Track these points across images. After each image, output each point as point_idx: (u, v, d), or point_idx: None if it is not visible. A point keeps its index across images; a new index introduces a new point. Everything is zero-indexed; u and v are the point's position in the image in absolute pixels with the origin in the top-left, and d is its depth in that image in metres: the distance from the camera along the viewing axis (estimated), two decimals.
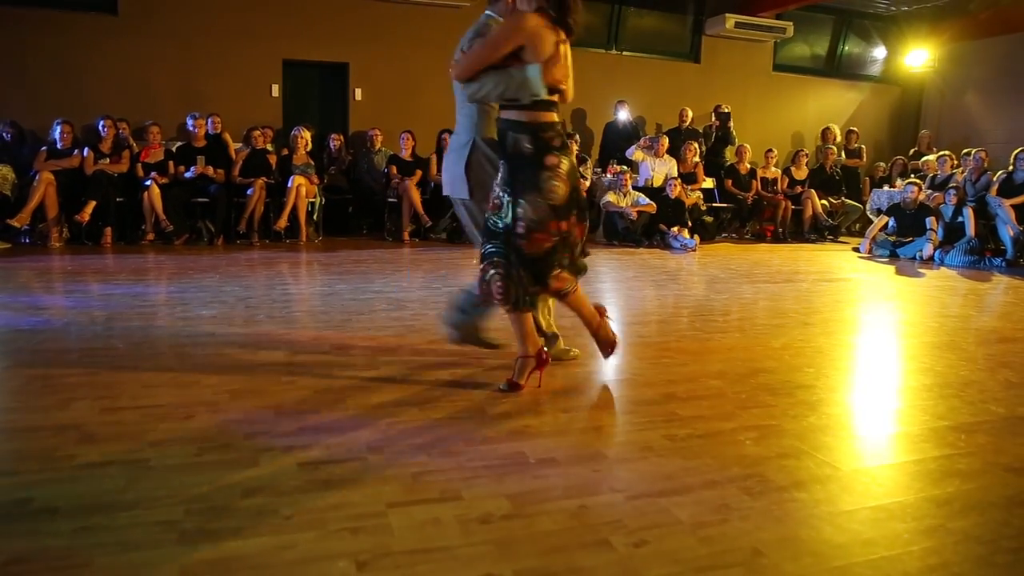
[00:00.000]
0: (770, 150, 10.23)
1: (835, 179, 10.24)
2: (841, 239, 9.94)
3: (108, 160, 7.51)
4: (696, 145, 9.71)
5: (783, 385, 3.07)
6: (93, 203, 7.15)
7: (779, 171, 10.26)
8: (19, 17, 8.13)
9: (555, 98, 2.72)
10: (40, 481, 1.97)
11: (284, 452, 2.19)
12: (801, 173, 10.18)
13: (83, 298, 4.72)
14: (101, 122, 7.60)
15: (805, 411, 2.73)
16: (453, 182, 3.03)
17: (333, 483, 2.00)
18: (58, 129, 7.42)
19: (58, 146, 7.42)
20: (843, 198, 10.17)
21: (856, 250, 8.68)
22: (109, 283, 5.22)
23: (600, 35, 10.56)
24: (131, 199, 7.52)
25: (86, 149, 7.46)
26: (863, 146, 11.07)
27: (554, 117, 2.71)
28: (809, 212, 9.82)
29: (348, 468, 2.10)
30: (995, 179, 8.33)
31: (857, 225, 10.30)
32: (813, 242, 9.67)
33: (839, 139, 10.87)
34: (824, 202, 9.91)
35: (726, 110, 10.35)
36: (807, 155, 10.44)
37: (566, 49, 2.74)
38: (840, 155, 10.70)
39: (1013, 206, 7.86)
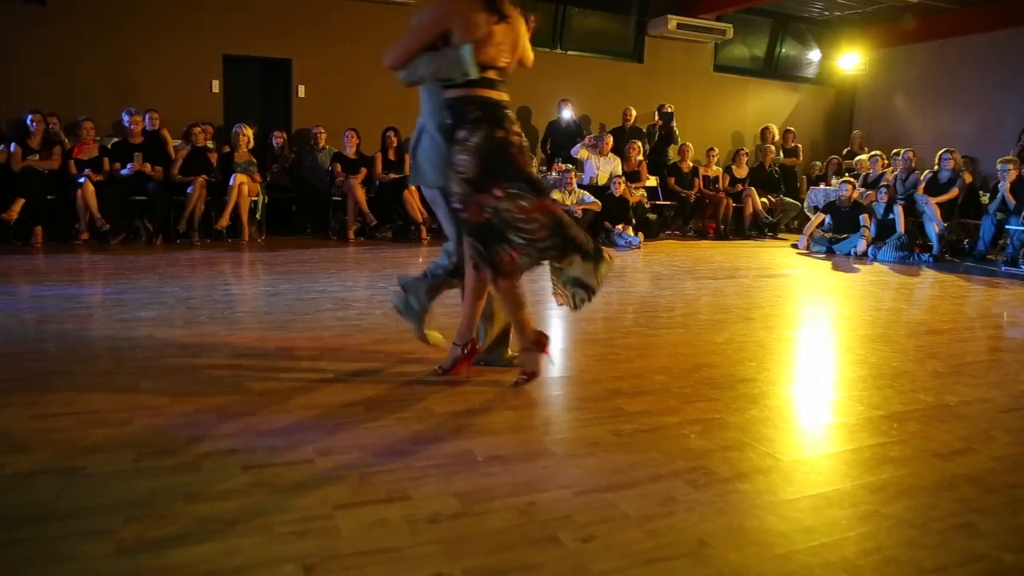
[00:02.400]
0: (711, 149, 10.45)
1: (774, 177, 10.51)
2: (780, 236, 10.22)
3: (38, 156, 7.22)
4: (640, 144, 9.84)
5: (726, 379, 3.14)
6: (22, 201, 6.86)
7: (720, 169, 10.47)
8: None
9: (492, 75, 2.74)
10: None
11: (227, 455, 2.15)
12: (742, 171, 10.41)
13: (11, 300, 4.53)
14: (29, 116, 7.29)
15: (747, 404, 2.80)
16: (411, 169, 3.03)
17: (279, 486, 1.96)
18: None
19: None
20: (781, 196, 10.46)
21: (794, 246, 8.93)
22: (40, 284, 5.02)
23: (544, 34, 10.59)
24: (63, 197, 7.23)
25: (13, 144, 7.14)
26: (800, 145, 11.39)
27: (486, 93, 2.72)
28: (750, 210, 10.06)
29: (294, 471, 2.06)
30: (922, 178, 8.67)
31: (795, 222, 10.60)
32: (753, 239, 9.91)
33: (777, 138, 11.16)
34: (764, 200, 10.17)
35: (669, 110, 10.53)
36: (747, 154, 10.70)
37: (505, 28, 2.75)
38: (778, 154, 10.99)
39: (938, 204, 8.19)
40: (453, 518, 1.82)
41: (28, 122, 7.28)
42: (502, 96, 2.78)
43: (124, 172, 7.46)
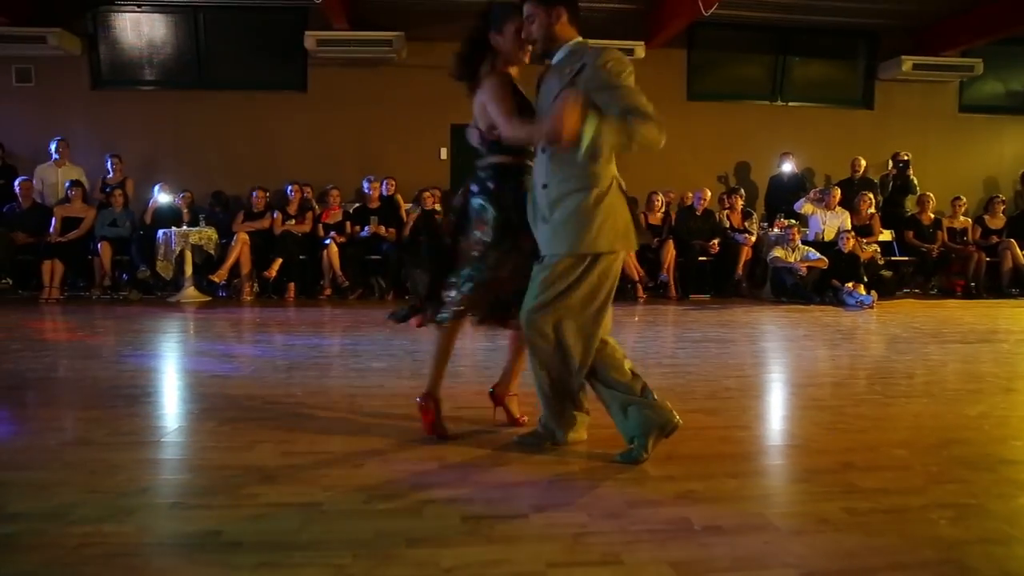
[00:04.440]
0: (958, 198, 9.41)
1: None
2: None
3: (294, 221, 8.24)
4: (871, 196, 9.11)
5: (983, 459, 2.74)
6: (279, 260, 7.85)
7: (969, 220, 9.40)
8: (224, 99, 9.22)
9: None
10: (228, 517, 2.13)
11: (447, 504, 2.23)
12: (997, 222, 9.26)
13: (268, 348, 5.13)
14: (289, 187, 8.39)
15: (1014, 490, 2.41)
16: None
17: (495, 538, 2.00)
18: (254, 194, 8.29)
19: (253, 209, 8.26)
20: None
21: None
22: (291, 334, 5.65)
23: (763, 86, 10.30)
24: (312, 256, 8.16)
25: (275, 211, 8.23)
26: None
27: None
28: (1009, 264, 8.87)
29: (509, 524, 2.09)
30: None
31: None
32: (1015, 297, 8.70)
33: None
34: None
35: (905, 158, 9.67)
36: (1004, 201, 9.50)
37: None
38: None
39: None
40: None
41: (288, 192, 8.37)
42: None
43: (363, 234, 8.26)
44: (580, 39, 2.70)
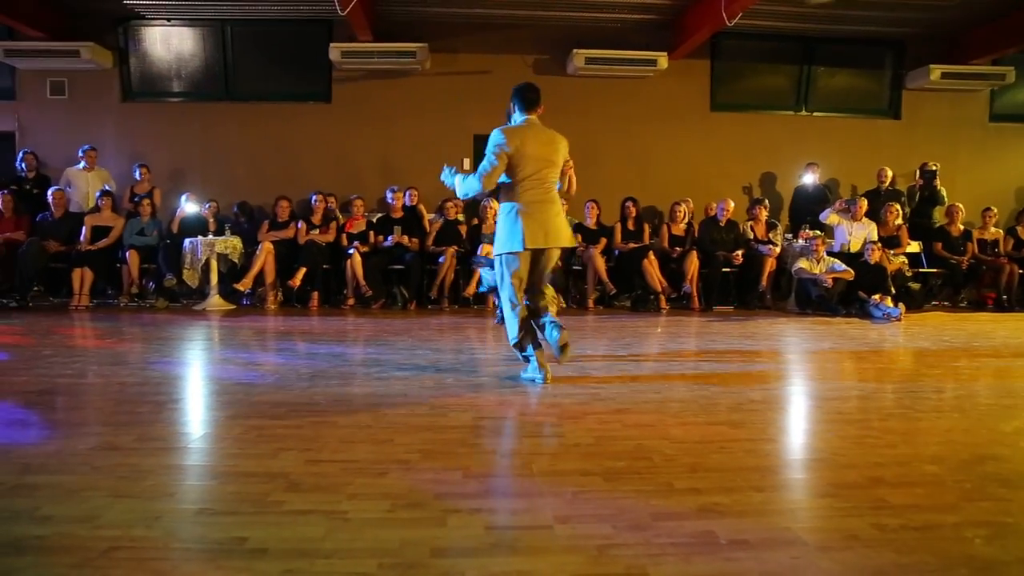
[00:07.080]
0: (988, 208, 9.28)
1: None
2: None
3: (318, 231, 8.31)
4: (898, 206, 9.02)
5: (1020, 477, 2.67)
6: (304, 270, 7.91)
7: (1001, 231, 9.25)
8: (250, 110, 9.35)
9: None
10: (254, 523, 2.13)
11: (471, 514, 2.22)
12: None
13: (292, 356, 5.16)
14: (314, 197, 8.46)
15: None
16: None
17: (519, 549, 1.99)
18: (279, 204, 8.37)
19: (277, 219, 8.34)
20: None
21: None
22: (314, 343, 5.68)
23: (788, 96, 10.24)
24: (336, 266, 8.22)
25: (300, 221, 8.31)
26: None
27: None
28: None
29: (533, 535, 2.08)
30: None
31: None
32: None
33: None
34: None
35: (933, 167, 9.56)
36: None
37: None
38: None
39: None
40: None
41: (312, 201, 8.45)
42: None
43: (386, 244, 8.30)
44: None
